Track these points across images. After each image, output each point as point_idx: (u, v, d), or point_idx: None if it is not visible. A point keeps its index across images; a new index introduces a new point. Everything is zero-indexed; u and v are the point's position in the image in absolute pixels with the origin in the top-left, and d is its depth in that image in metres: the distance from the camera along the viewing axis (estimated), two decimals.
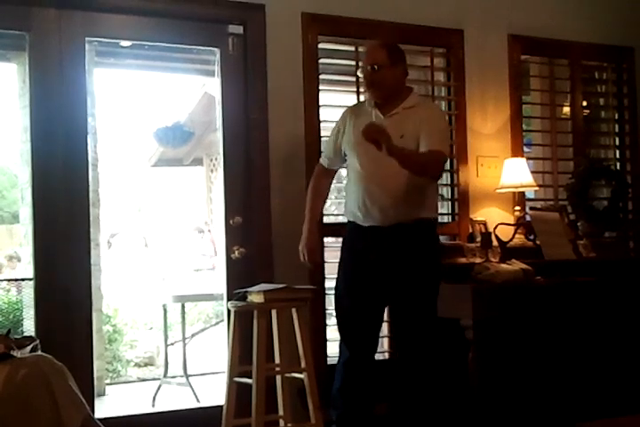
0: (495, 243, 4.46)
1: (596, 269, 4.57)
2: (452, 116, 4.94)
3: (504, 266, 4.23)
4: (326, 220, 4.38)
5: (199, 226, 10.75)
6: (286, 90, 4.40)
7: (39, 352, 3.36)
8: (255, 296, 3.60)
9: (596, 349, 4.49)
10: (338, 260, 3.87)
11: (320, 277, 4.34)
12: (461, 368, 4.05)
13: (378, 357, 3.96)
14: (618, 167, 5.53)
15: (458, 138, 4.91)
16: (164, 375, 6.22)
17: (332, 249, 4.20)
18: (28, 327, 4.86)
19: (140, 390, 6.61)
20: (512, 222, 4.78)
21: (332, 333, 4.10)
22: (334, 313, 3.87)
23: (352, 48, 4.58)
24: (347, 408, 3.76)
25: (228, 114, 4.35)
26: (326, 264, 4.36)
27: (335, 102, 4.55)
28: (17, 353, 3.24)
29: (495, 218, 4.79)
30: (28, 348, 3.34)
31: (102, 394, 6.16)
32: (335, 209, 4.73)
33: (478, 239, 4.56)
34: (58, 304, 3.92)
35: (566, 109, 5.55)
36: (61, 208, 3.97)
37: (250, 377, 3.51)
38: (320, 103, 4.50)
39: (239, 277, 4.23)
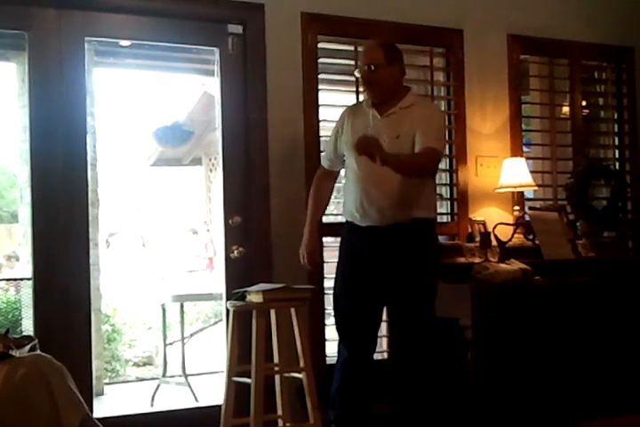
0: (494, 243, 4.47)
1: (595, 269, 4.57)
2: (451, 116, 4.94)
3: (503, 266, 4.23)
4: (325, 219, 4.38)
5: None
6: (286, 90, 4.40)
7: (38, 352, 3.35)
8: (254, 296, 3.60)
9: (595, 348, 4.49)
10: (336, 260, 3.88)
11: (319, 277, 4.34)
12: (460, 368, 4.05)
13: (376, 356, 3.96)
14: (617, 167, 5.54)
15: (457, 138, 4.91)
16: (163, 375, 6.21)
17: (331, 249, 4.20)
18: (27, 327, 4.86)
19: (139, 390, 6.61)
20: (511, 222, 4.78)
21: (331, 332, 4.09)
22: (333, 313, 3.88)
23: (352, 48, 4.57)
24: (345, 408, 3.76)
25: (227, 113, 4.35)
26: (325, 264, 4.36)
27: (335, 102, 4.55)
28: (16, 353, 3.24)
29: (494, 218, 4.79)
30: (27, 347, 3.34)
31: (101, 394, 6.16)
32: (334, 209, 4.72)
33: (477, 239, 4.56)
34: (57, 304, 3.92)
35: (566, 109, 5.55)
36: (60, 208, 3.96)
37: (248, 377, 3.51)
38: (319, 103, 4.50)
39: (238, 276, 4.23)
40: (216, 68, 4.38)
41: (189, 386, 5.90)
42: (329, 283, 4.14)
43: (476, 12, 5.01)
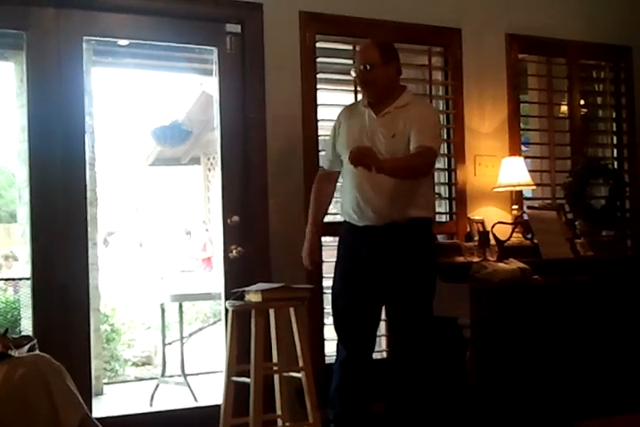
0: (493, 242, 4.47)
1: (593, 268, 4.57)
2: (449, 115, 4.94)
3: (502, 265, 4.23)
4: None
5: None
6: (284, 89, 4.40)
7: (37, 352, 3.35)
8: (253, 295, 3.60)
9: (593, 348, 4.50)
10: (335, 259, 3.88)
11: (318, 277, 4.34)
12: (459, 367, 4.05)
13: (375, 356, 3.96)
14: (615, 166, 5.54)
15: (455, 137, 4.92)
16: (162, 375, 6.21)
17: (330, 248, 4.20)
18: (26, 327, 4.86)
19: (138, 390, 6.61)
20: (510, 221, 4.79)
21: (330, 332, 4.09)
22: (331, 312, 3.88)
23: (350, 47, 4.57)
24: (344, 408, 3.76)
25: (225, 113, 4.35)
26: (324, 264, 4.36)
27: (333, 102, 4.55)
28: (15, 353, 3.24)
29: (493, 217, 4.80)
30: (26, 347, 3.34)
31: (100, 393, 6.15)
32: (332, 208, 4.72)
33: (476, 238, 4.57)
34: (55, 304, 3.92)
35: (564, 108, 5.55)
36: (59, 207, 3.96)
37: (248, 376, 3.51)
38: (318, 102, 4.50)
39: (237, 276, 4.23)
40: (214, 67, 4.38)
41: (188, 386, 5.90)
42: (328, 282, 4.14)
43: (475, 11, 5.01)
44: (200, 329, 8.16)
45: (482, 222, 4.70)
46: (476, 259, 4.41)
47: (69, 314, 3.94)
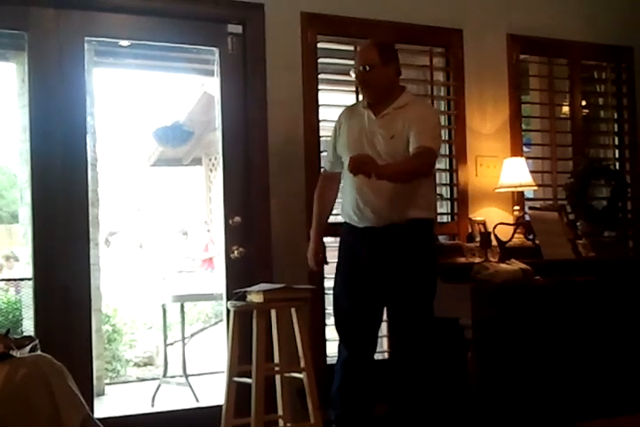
0: (494, 243, 4.47)
1: (595, 269, 4.57)
2: (451, 116, 4.94)
3: (503, 266, 4.23)
4: None
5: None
6: (285, 89, 4.40)
7: (38, 352, 3.35)
8: (254, 296, 3.60)
9: (595, 348, 4.49)
10: (336, 260, 3.88)
11: (319, 277, 4.34)
12: (460, 368, 4.05)
13: (377, 357, 3.95)
14: (617, 167, 5.54)
15: (457, 138, 4.91)
16: (164, 375, 6.21)
17: (331, 249, 4.20)
18: (28, 327, 4.87)
19: (140, 390, 6.61)
20: (511, 222, 4.78)
21: (332, 333, 4.09)
22: (333, 313, 3.87)
23: (351, 48, 4.57)
24: (346, 408, 3.75)
25: (227, 113, 4.35)
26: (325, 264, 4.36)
27: (334, 102, 4.55)
28: (16, 353, 3.23)
29: (494, 218, 4.79)
30: (28, 348, 3.34)
31: (102, 394, 6.16)
32: (335, 208, 4.73)
33: (477, 239, 4.56)
34: (57, 304, 3.92)
35: (565, 109, 5.55)
36: (60, 208, 3.96)
37: (249, 377, 3.51)
38: (319, 103, 4.50)
39: (238, 276, 4.23)
40: (216, 68, 4.38)
41: (190, 386, 5.90)
42: (329, 283, 4.14)
43: (476, 11, 5.01)
44: (201, 330, 8.17)
45: (483, 223, 4.70)
46: (477, 260, 4.41)
47: (71, 314, 3.94)
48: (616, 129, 5.60)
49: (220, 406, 3.67)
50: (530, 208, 4.99)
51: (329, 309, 4.23)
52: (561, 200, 5.21)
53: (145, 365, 7.81)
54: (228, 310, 3.75)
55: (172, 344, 6.58)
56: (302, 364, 3.65)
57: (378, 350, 3.98)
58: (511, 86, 5.11)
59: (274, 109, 4.36)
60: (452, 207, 4.93)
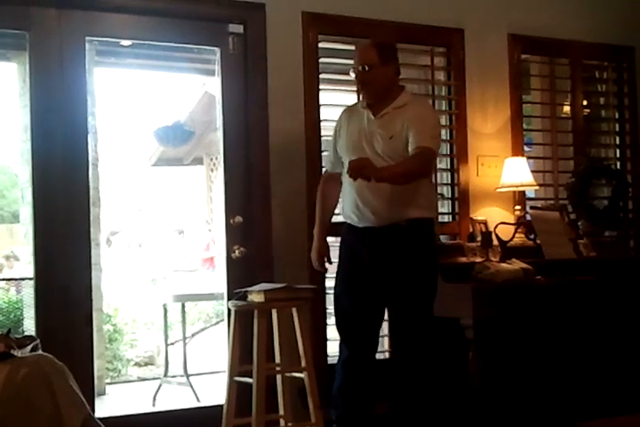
0: (495, 242, 4.47)
1: (596, 269, 4.57)
2: (452, 116, 4.94)
3: (504, 265, 4.23)
4: None
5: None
6: (286, 89, 4.40)
7: (40, 352, 3.35)
8: (255, 296, 3.60)
9: (596, 348, 4.49)
10: (336, 260, 3.88)
11: (320, 277, 4.33)
12: (462, 368, 4.05)
13: (378, 356, 3.95)
14: (618, 166, 5.53)
15: (458, 137, 4.91)
16: (165, 375, 6.22)
17: (335, 248, 4.20)
18: (29, 327, 4.87)
19: (141, 390, 6.61)
20: (512, 222, 4.78)
21: (333, 332, 4.10)
22: (334, 313, 3.88)
23: (352, 47, 4.55)
24: (347, 408, 3.75)
25: (228, 113, 4.35)
26: (326, 264, 4.36)
27: (335, 102, 4.54)
28: (17, 353, 3.24)
29: (495, 217, 4.79)
30: (29, 347, 3.34)
31: (103, 393, 6.16)
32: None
33: (479, 239, 4.56)
34: (58, 304, 3.92)
35: (567, 109, 5.54)
36: (61, 207, 3.96)
37: (250, 377, 3.51)
38: (320, 102, 4.50)
39: (239, 276, 4.23)
40: (217, 67, 4.38)
41: (191, 386, 5.90)
42: (330, 283, 4.14)
43: (477, 11, 5.01)
44: (202, 329, 8.18)
45: (484, 223, 4.70)
46: (478, 259, 4.41)
47: (72, 314, 3.94)
48: (617, 129, 5.60)
49: (221, 406, 3.67)
50: (531, 208, 4.99)
51: (330, 308, 4.23)
52: (562, 200, 5.20)
53: (146, 364, 7.81)
54: (229, 310, 3.75)
55: (172, 344, 6.59)
56: (303, 363, 3.65)
57: (379, 349, 3.98)
58: (512, 86, 5.11)
59: (275, 109, 4.36)
60: (454, 207, 4.93)
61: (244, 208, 4.32)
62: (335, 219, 4.06)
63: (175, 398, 5.80)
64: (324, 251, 3.90)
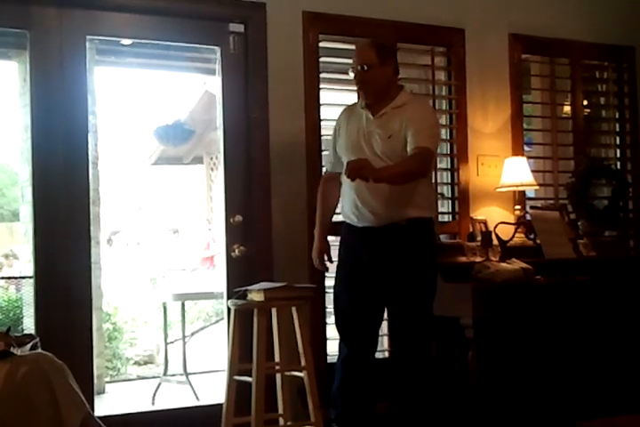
0: (495, 242, 4.47)
1: (596, 269, 4.57)
2: (452, 115, 4.94)
3: (504, 265, 4.23)
4: None
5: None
6: (287, 88, 4.40)
7: (39, 350, 3.35)
8: (255, 295, 3.60)
9: (595, 348, 4.49)
10: (336, 259, 3.88)
11: (320, 276, 4.34)
12: (461, 367, 4.05)
13: (378, 355, 3.95)
14: (618, 166, 5.54)
15: (458, 137, 4.91)
16: (164, 374, 6.22)
17: (333, 248, 4.20)
18: (28, 325, 4.86)
19: (140, 389, 6.62)
20: (512, 221, 4.78)
21: (332, 331, 4.10)
22: (333, 312, 3.88)
23: (353, 47, 4.55)
24: (346, 407, 3.75)
25: (228, 112, 4.35)
26: (327, 263, 4.36)
27: (336, 101, 4.55)
28: (17, 351, 3.24)
29: (495, 217, 4.79)
30: (28, 346, 3.34)
31: (102, 392, 6.17)
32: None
33: (478, 238, 4.57)
34: (58, 302, 3.92)
35: (567, 108, 5.55)
36: (62, 206, 3.97)
37: (250, 376, 3.51)
38: (321, 102, 4.51)
39: (239, 275, 4.23)
40: (217, 66, 4.38)
41: (190, 385, 5.90)
42: (330, 282, 4.14)
43: (478, 11, 5.01)
44: (202, 328, 8.18)
45: (484, 222, 4.70)
46: (478, 259, 4.41)
47: (72, 313, 3.95)
48: (617, 128, 5.60)
49: (221, 405, 3.67)
50: (531, 207, 4.99)
51: (329, 307, 4.23)
52: (562, 200, 5.20)
53: (145, 363, 7.81)
54: (229, 309, 3.75)
55: (172, 343, 6.58)
56: (303, 362, 3.65)
57: (378, 348, 3.98)
58: (513, 86, 5.11)
59: (275, 108, 4.36)
60: (454, 206, 4.93)
61: (244, 207, 4.32)
62: (336, 218, 4.06)
63: (174, 397, 5.80)
64: (325, 250, 3.90)
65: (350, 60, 4.45)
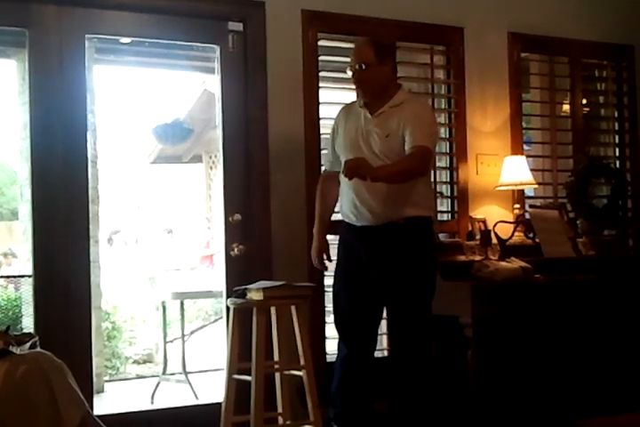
0: (494, 241, 4.46)
1: (595, 267, 4.57)
2: (451, 114, 4.94)
3: (503, 264, 4.23)
4: None
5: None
6: (286, 87, 4.40)
7: (38, 349, 3.35)
8: (254, 293, 3.59)
9: (595, 347, 4.50)
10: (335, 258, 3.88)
11: (319, 275, 4.33)
12: (461, 366, 4.05)
13: (377, 354, 3.95)
14: (617, 165, 5.54)
15: (457, 136, 4.91)
16: (163, 372, 6.21)
17: (332, 246, 4.20)
18: (27, 324, 4.87)
19: (139, 387, 6.62)
20: (511, 220, 4.78)
21: (332, 330, 4.10)
22: (332, 311, 3.88)
23: (352, 45, 4.55)
24: (345, 406, 3.76)
25: (227, 111, 4.34)
26: (325, 262, 4.36)
27: (335, 99, 4.54)
28: (16, 350, 3.23)
29: (495, 216, 4.79)
30: (28, 344, 3.33)
31: (101, 391, 6.16)
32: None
33: (478, 237, 4.56)
34: (57, 301, 3.92)
35: (566, 107, 5.54)
36: (61, 205, 3.96)
37: (249, 374, 3.51)
38: (320, 101, 4.50)
39: (238, 274, 4.23)
40: (216, 65, 4.38)
41: (189, 384, 5.90)
42: (329, 281, 4.14)
43: (477, 10, 5.01)
44: (201, 327, 8.16)
45: (484, 221, 4.70)
46: (477, 258, 4.40)
47: (71, 311, 3.95)
48: (616, 127, 5.60)
49: (220, 404, 3.67)
50: (530, 206, 4.99)
51: (329, 306, 4.23)
52: (561, 198, 5.20)
53: (144, 362, 7.81)
54: (228, 308, 3.75)
55: (171, 342, 6.58)
56: (302, 361, 3.65)
57: (378, 347, 3.98)
58: (512, 84, 5.11)
59: (274, 107, 4.36)
60: (453, 205, 4.93)
61: (244, 206, 4.32)
62: (334, 217, 4.06)
63: (174, 396, 5.80)
64: (324, 249, 3.90)
65: (349, 59, 4.46)
